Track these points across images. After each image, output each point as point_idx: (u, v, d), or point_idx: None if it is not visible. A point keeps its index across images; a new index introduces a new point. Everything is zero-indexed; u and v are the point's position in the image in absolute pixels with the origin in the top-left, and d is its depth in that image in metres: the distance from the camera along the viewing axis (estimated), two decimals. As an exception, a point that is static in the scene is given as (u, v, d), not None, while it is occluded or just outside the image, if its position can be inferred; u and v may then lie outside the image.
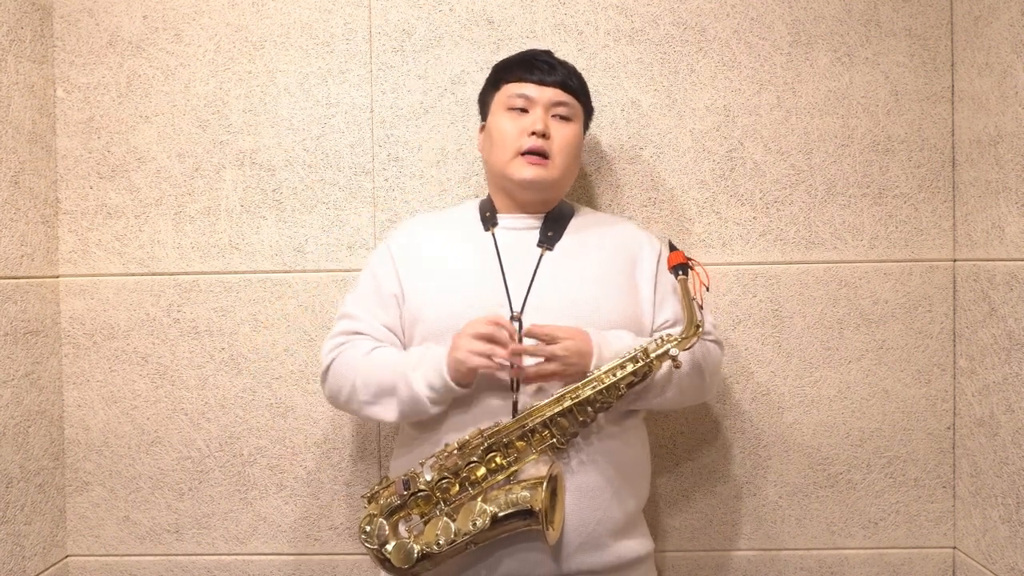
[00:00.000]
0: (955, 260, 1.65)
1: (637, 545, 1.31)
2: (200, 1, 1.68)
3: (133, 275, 1.69)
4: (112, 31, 1.68)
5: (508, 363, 1.21)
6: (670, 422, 1.68)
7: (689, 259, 1.28)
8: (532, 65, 1.37)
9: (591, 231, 1.41)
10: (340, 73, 1.67)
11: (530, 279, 1.31)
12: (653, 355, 1.21)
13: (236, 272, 1.68)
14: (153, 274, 1.69)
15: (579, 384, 1.20)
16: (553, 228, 1.38)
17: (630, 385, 1.21)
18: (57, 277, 1.70)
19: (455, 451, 1.20)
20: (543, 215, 1.39)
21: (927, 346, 1.66)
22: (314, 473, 1.69)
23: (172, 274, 1.69)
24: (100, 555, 1.71)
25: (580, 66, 1.65)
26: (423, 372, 1.23)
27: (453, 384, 1.21)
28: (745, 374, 1.67)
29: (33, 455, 1.61)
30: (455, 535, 1.16)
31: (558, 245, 1.37)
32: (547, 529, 1.15)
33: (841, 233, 1.66)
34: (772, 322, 1.67)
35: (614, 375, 1.20)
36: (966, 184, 1.61)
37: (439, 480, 1.20)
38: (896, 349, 1.66)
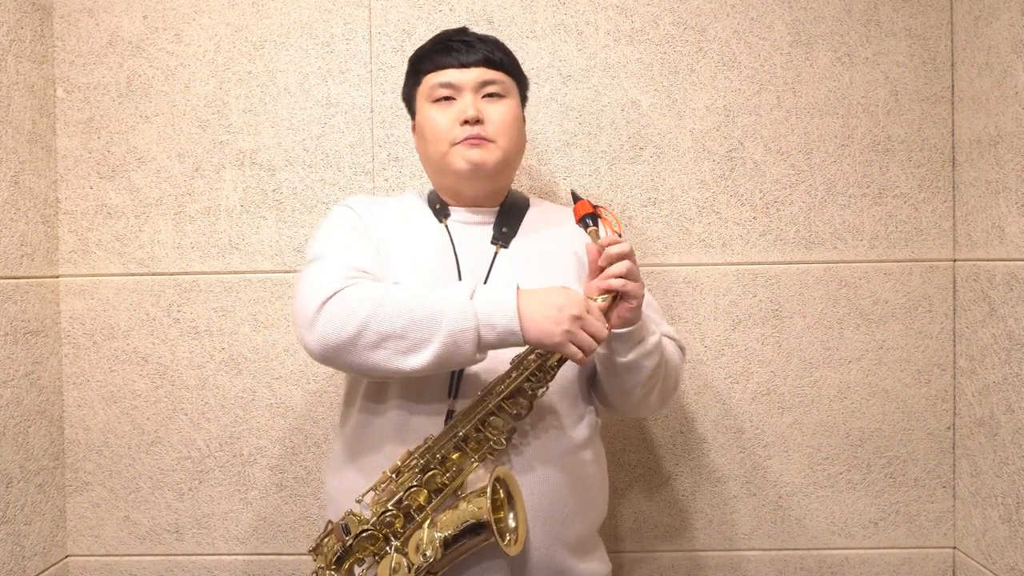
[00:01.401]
0: (955, 260, 1.65)
1: (590, 570, 1.23)
2: (200, 1, 1.68)
3: (133, 275, 1.69)
4: (112, 31, 1.68)
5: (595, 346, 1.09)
6: (670, 422, 1.68)
7: (596, 207, 1.17)
8: (448, 48, 1.25)
9: (545, 227, 1.32)
10: (340, 73, 1.67)
11: (485, 277, 1.23)
12: None
13: (236, 272, 1.68)
14: (153, 274, 1.69)
15: (503, 376, 1.11)
16: (507, 223, 1.30)
17: (560, 361, 1.12)
18: (57, 277, 1.70)
19: (390, 478, 1.10)
20: (496, 209, 1.31)
21: (927, 346, 1.66)
22: (314, 473, 1.69)
23: (172, 274, 1.69)
24: (100, 555, 1.71)
25: (580, 66, 1.65)
26: (483, 308, 1.07)
27: (519, 330, 1.07)
28: (745, 374, 1.67)
29: (33, 455, 1.61)
30: (409, 571, 1.06)
31: (513, 242, 1.28)
32: (505, 539, 1.07)
33: (841, 233, 1.66)
34: (772, 322, 1.67)
35: (540, 358, 1.10)
36: (966, 184, 1.61)
37: (381, 514, 1.09)
38: (896, 349, 1.66)
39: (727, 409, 1.68)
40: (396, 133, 1.67)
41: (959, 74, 1.63)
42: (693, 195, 1.67)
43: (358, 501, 1.12)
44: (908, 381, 1.66)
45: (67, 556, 1.71)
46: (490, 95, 1.25)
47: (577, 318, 1.07)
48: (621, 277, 1.11)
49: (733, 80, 1.66)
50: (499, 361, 1.14)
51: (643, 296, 1.15)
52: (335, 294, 1.09)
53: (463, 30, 1.31)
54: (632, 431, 1.69)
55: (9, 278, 1.55)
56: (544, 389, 1.12)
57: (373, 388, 1.20)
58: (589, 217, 1.16)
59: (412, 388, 1.17)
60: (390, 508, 1.08)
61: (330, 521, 1.15)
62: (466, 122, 1.22)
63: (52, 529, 1.66)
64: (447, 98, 1.25)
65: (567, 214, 1.31)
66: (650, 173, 1.67)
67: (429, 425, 1.15)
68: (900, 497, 1.67)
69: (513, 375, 1.11)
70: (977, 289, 1.58)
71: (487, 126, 1.23)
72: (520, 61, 1.33)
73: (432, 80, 1.26)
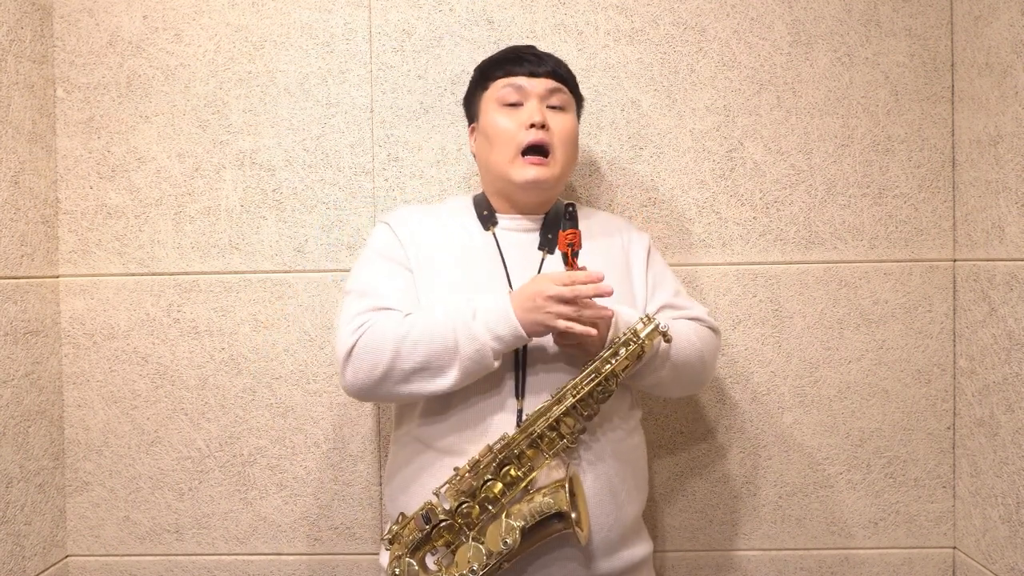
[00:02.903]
0: (955, 260, 1.65)
1: (643, 548, 1.31)
2: (200, 1, 1.68)
3: (133, 275, 1.69)
4: (112, 31, 1.68)
5: (592, 331, 1.17)
6: (670, 422, 1.68)
7: (573, 251, 1.19)
8: (520, 58, 1.33)
9: (587, 229, 1.34)
10: (340, 73, 1.67)
11: None
12: (643, 334, 1.19)
13: (236, 272, 1.68)
14: (153, 274, 1.69)
15: (578, 379, 1.18)
16: (552, 230, 1.35)
17: (625, 369, 1.19)
18: (57, 277, 1.70)
19: (467, 473, 1.17)
20: (542, 216, 1.37)
21: (927, 346, 1.66)
22: (314, 473, 1.69)
23: (172, 274, 1.69)
24: (100, 555, 1.71)
25: (580, 66, 1.65)
26: (485, 321, 1.17)
27: (523, 331, 1.17)
28: (745, 374, 1.67)
29: (33, 455, 1.61)
30: (487, 557, 1.14)
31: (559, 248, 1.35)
32: (577, 530, 1.14)
33: (841, 233, 1.66)
34: (772, 322, 1.67)
35: (610, 362, 1.18)
36: (966, 184, 1.61)
37: (458, 506, 1.16)
38: (896, 349, 1.66)
39: (727, 409, 1.68)
40: (396, 133, 1.67)
41: (959, 74, 1.63)
42: (693, 195, 1.67)
43: (435, 493, 1.17)
44: (908, 381, 1.66)
45: (67, 556, 1.71)
46: (554, 107, 1.31)
47: (550, 297, 1.15)
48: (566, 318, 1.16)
49: (733, 80, 1.66)
50: (550, 360, 1.24)
51: (593, 337, 1.18)
52: (357, 341, 1.20)
53: (531, 47, 1.38)
54: (632, 431, 1.69)
55: (9, 278, 1.55)
56: (612, 393, 1.19)
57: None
58: (564, 257, 1.20)
59: (482, 390, 1.22)
60: (466, 500, 1.15)
61: (402, 514, 1.21)
62: (532, 126, 1.27)
63: (52, 529, 1.66)
64: (514, 104, 1.30)
65: (605, 218, 1.44)
66: (650, 173, 1.67)
67: (502, 424, 1.21)
68: (900, 497, 1.67)
69: (585, 380, 1.18)
70: (977, 289, 1.57)
71: (551, 134, 1.29)
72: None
73: (502, 84, 1.32)
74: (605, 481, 1.24)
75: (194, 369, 1.69)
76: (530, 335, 1.18)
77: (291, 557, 1.69)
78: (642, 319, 1.20)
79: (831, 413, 1.67)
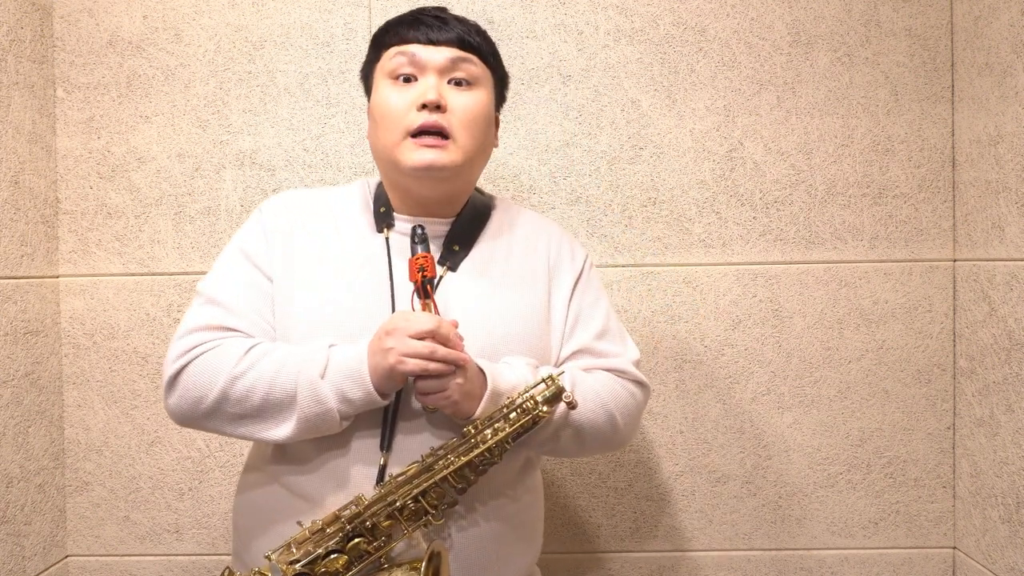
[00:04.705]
0: (955, 260, 1.65)
1: None
2: (200, 1, 1.68)
3: (133, 275, 1.69)
4: (112, 31, 1.68)
5: (451, 369, 0.97)
6: (670, 422, 1.68)
7: (425, 278, 1.00)
8: (418, 22, 1.09)
9: (506, 244, 1.15)
10: (340, 73, 1.67)
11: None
12: (541, 398, 1.00)
13: (236, 272, 1.68)
14: (153, 274, 1.69)
15: (457, 444, 0.99)
16: (461, 239, 1.13)
17: (516, 437, 1.00)
18: (57, 277, 1.70)
19: (308, 538, 0.97)
20: (449, 221, 1.13)
21: (927, 346, 1.66)
22: (314, 473, 1.69)
23: (172, 274, 1.69)
24: (100, 555, 1.71)
25: (580, 66, 1.65)
26: (334, 381, 0.98)
27: (377, 396, 0.98)
28: (745, 374, 1.67)
29: (33, 455, 1.61)
30: None
31: (463, 264, 1.12)
32: None
33: (841, 233, 1.66)
34: (772, 322, 1.67)
35: (496, 430, 0.98)
36: (966, 184, 1.61)
37: None
38: (896, 349, 1.66)
39: (727, 409, 1.68)
40: (396, 133, 1.67)
41: (959, 74, 1.63)
42: (693, 195, 1.67)
43: (267, 557, 0.98)
44: (908, 381, 1.66)
45: (67, 556, 1.71)
46: (459, 82, 1.08)
47: (389, 332, 0.97)
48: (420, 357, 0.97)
49: (733, 80, 1.66)
50: (426, 412, 1.03)
51: (446, 392, 0.98)
52: (186, 367, 1.02)
53: (441, 8, 1.13)
54: (632, 431, 1.69)
55: (9, 278, 1.55)
56: (495, 464, 1.00)
57: None
58: (416, 288, 1.02)
59: (339, 437, 1.02)
60: (303, 571, 0.95)
61: (228, 568, 1.01)
62: (424, 106, 1.05)
63: (52, 529, 1.66)
64: (407, 78, 1.08)
65: (533, 224, 1.21)
66: (650, 173, 1.67)
67: (360, 480, 1.02)
68: (900, 497, 1.67)
69: (463, 447, 0.99)
70: (977, 289, 1.58)
71: (449, 116, 1.06)
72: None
73: (394, 51, 1.08)
74: (477, 552, 1.04)
75: (194, 369, 1.69)
76: (380, 390, 0.98)
77: (291, 557, 1.69)
78: (545, 380, 1.01)
79: (831, 413, 1.67)
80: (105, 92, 1.69)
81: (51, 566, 1.66)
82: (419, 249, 1.01)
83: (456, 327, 1.00)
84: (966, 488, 1.63)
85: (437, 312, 1.01)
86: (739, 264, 1.67)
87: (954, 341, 1.66)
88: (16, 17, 1.58)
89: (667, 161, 1.67)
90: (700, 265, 1.67)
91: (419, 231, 1.02)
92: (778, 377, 1.67)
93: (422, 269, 0.99)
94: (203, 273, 1.68)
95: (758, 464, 1.68)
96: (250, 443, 1.25)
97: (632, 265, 1.66)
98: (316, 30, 1.67)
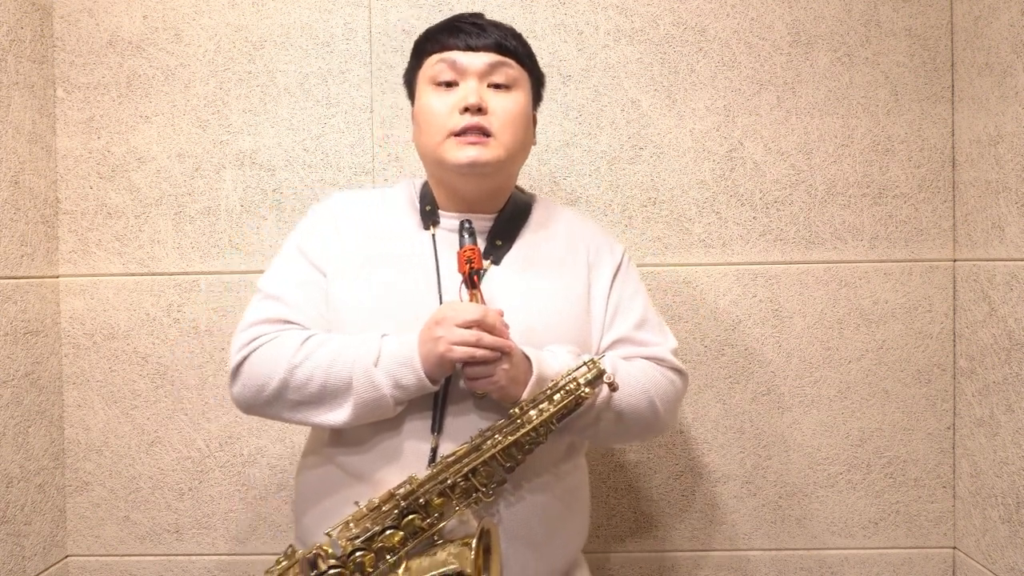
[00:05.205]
0: (955, 260, 1.65)
1: None
2: (200, 1, 1.68)
3: (133, 275, 1.69)
4: (112, 31, 1.68)
5: (498, 356, 1.02)
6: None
7: (474, 270, 1.05)
8: (457, 29, 1.15)
9: (546, 239, 1.20)
10: (340, 73, 1.67)
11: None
12: (583, 380, 1.04)
13: (236, 272, 1.68)
14: (153, 274, 1.69)
15: (504, 424, 1.04)
16: (503, 235, 1.18)
17: (560, 418, 1.05)
18: (57, 277, 1.70)
19: (366, 515, 1.02)
20: (492, 216, 1.19)
21: (927, 346, 1.66)
22: (314, 473, 1.69)
23: (172, 274, 1.69)
24: (100, 555, 1.71)
25: (580, 66, 1.65)
26: (387, 367, 1.04)
27: (428, 382, 1.04)
28: (745, 374, 1.67)
29: (33, 455, 1.61)
30: None
31: (506, 258, 1.17)
32: None
33: (841, 233, 1.66)
34: (772, 322, 1.67)
35: (541, 411, 1.03)
36: (966, 184, 1.61)
37: (351, 553, 1.01)
38: (896, 349, 1.66)
39: (727, 409, 1.68)
40: (396, 133, 1.67)
41: (959, 74, 1.63)
42: (693, 195, 1.67)
43: (328, 534, 1.04)
44: (908, 381, 1.66)
45: (67, 556, 1.71)
46: (497, 85, 1.14)
47: (438, 322, 1.03)
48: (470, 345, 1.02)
49: (733, 80, 1.66)
50: (474, 397, 1.09)
51: (494, 377, 1.03)
52: (249, 356, 1.09)
53: (478, 14, 1.21)
54: (632, 431, 1.69)
55: (9, 278, 1.55)
56: (540, 443, 1.05)
57: None
58: (464, 279, 1.07)
59: (392, 420, 1.08)
60: (361, 547, 1.01)
61: (291, 546, 1.08)
62: (467, 110, 1.11)
63: (52, 529, 1.66)
64: (449, 83, 1.14)
65: (572, 221, 1.25)
66: (650, 173, 1.67)
67: (412, 460, 1.07)
68: (900, 497, 1.67)
69: (510, 428, 1.04)
70: (977, 289, 1.58)
71: (490, 118, 1.12)
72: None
73: (435, 60, 1.14)
74: (525, 533, 1.08)
75: (194, 369, 1.69)
76: (435, 382, 1.04)
77: (291, 557, 1.69)
78: (587, 363, 1.05)
79: (831, 413, 1.67)
80: (105, 92, 1.69)
81: (51, 566, 1.66)
82: (467, 241, 1.07)
83: (502, 315, 1.05)
84: (966, 488, 1.63)
85: (483, 302, 1.05)
86: (739, 264, 1.67)
87: (954, 341, 1.66)
88: (16, 17, 1.58)
89: (667, 161, 1.67)
90: (700, 265, 1.67)
91: (467, 225, 1.08)
92: (778, 377, 1.67)
93: (470, 261, 1.05)
94: (203, 273, 1.68)
95: (758, 464, 1.68)
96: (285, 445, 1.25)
97: (632, 265, 1.66)
98: (316, 30, 1.67)
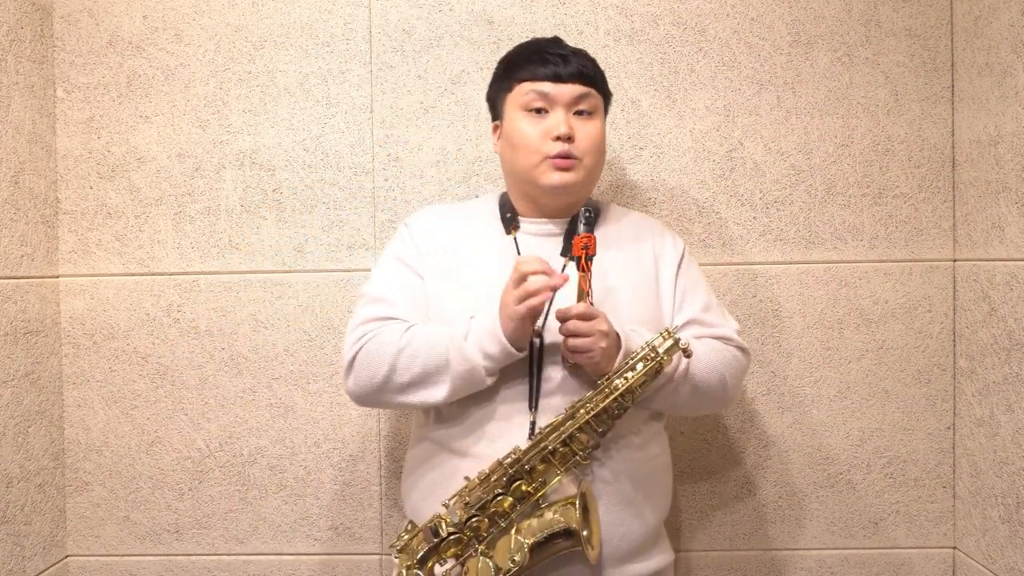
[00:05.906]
0: (955, 260, 1.65)
1: (659, 560, 1.28)
2: (200, 1, 1.68)
3: (133, 275, 1.69)
4: (112, 31, 1.68)
5: (552, 291, 1.14)
6: (671, 423, 1.68)
7: (587, 255, 1.16)
8: (544, 59, 1.28)
9: (616, 236, 1.34)
10: (340, 73, 1.67)
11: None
12: (662, 350, 1.17)
13: (236, 272, 1.68)
14: (153, 274, 1.69)
15: (592, 394, 1.17)
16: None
17: (643, 384, 1.17)
18: (57, 277, 1.70)
19: (477, 486, 1.16)
20: (566, 221, 1.33)
21: (927, 346, 1.66)
22: (314, 473, 1.69)
23: (172, 274, 1.69)
24: (100, 555, 1.71)
25: (580, 66, 1.65)
26: (477, 340, 1.18)
27: (512, 348, 1.17)
28: (745, 374, 1.67)
29: (33, 455, 1.61)
30: (495, 573, 1.13)
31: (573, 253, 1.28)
32: (587, 548, 1.12)
33: (841, 233, 1.66)
34: (772, 322, 1.67)
35: (626, 379, 1.16)
36: (966, 184, 1.61)
37: (468, 519, 1.15)
38: (896, 349, 1.66)
39: (728, 409, 1.67)
40: (396, 133, 1.67)
41: (959, 74, 1.63)
42: (693, 195, 1.67)
43: (445, 505, 1.17)
44: (908, 381, 1.66)
45: (67, 556, 1.71)
46: (580, 112, 1.28)
47: (503, 293, 1.17)
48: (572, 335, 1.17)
49: (733, 80, 1.66)
50: (565, 373, 1.22)
51: (592, 352, 1.16)
52: (359, 351, 1.24)
53: (557, 40, 1.34)
54: (632, 431, 1.69)
55: (9, 278, 1.55)
56: (627, 409, 1.17)
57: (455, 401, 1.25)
58: (577, 261, 1.18)
59: (494, 400, 1.22)
60: (476, 513, 1.15)
61: (411, 521, 1.23)
62: (558, 138, 1.25)
63: (52, 529, 1.66)
64: (539, 110, 1.27)
65: (637, 220, 1.39)
66: (650, 173, 1.67)
67: (513, 435, 1.20)
68: (900, 497, 1.67)
69: (600, 396, 1.16)
70: (977, 289, 1.58)
71: (577, 144, 1.26)
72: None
73: (526, 89, 1.28)
74: (618, 495, 1.22)
75: (194, 369, 1.69)
76: (519, 348, 1.18)
77: (291, 557, 1.69)
78: (662, 333, 1.18)
79: (831, 413, 1.67)
80: (105, 92, 1.69)
81: (51, 566, 1.66)
82: (582, 229, 1.19)
83: (538, 263, 1.16)
84: (966, 488, 1.63)
85: (590, 284, 1.17)
86: (739, 264, 1.67)
87: (954, 341, 1.66)
88: (16, 17, 1.58)
89: (667, 161, 1.67)
90: (701, 265, 1.66)
91: (588, 214, 1.20)
92: (778, 377, 1.67)
93: (585, 247, 1.16)
94: (203, 273, 1.68)
95: (758, 464, 1.68)
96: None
97: (632, 265, 1.66)
98: (316, 30, 1.67)
